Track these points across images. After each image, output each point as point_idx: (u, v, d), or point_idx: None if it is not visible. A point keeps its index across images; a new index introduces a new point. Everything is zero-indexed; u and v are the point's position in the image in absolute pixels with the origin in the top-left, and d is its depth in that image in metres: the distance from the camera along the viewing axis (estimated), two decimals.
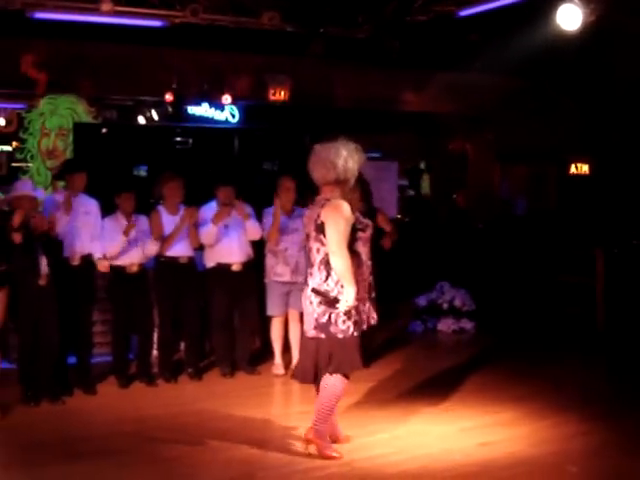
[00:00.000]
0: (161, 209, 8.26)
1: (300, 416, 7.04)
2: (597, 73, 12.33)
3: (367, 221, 6.11)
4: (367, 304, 6.56)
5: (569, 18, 7.72)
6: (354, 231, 5.86)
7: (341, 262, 5.66)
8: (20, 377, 7.52)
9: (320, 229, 5.76)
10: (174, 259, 8.20)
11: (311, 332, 5.87)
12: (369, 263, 6.96)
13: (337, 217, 5.70)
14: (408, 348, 9.92)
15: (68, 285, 7.54)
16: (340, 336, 5.77)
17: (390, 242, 8.58)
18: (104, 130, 12.10)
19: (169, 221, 8.20)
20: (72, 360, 7.82)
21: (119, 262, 7.99)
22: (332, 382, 5.87)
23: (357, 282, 5.79)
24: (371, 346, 8.95)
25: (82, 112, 11.24)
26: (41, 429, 6.75)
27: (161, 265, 8.26)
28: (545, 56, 10.94)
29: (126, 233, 7.84)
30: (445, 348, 10.33)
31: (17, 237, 6.91)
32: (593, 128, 13.41)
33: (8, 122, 10.80)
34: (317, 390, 6.01)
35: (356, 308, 5.84)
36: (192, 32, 10.21)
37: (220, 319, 8.42)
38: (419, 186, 15.91)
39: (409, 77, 13.10)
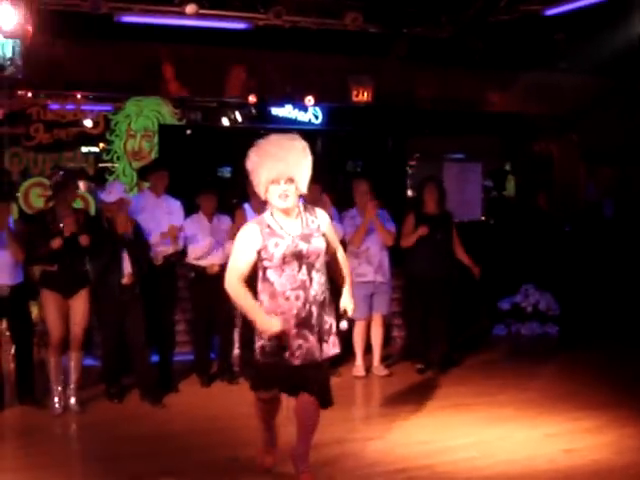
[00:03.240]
0: (247, 207, 8.27)
1: (381, 419, 7.04)
2: None
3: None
4: (308, 339, 5.16)
5: None
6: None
7: (231, 294, 5.15)
8: (103, 374, 7.67)
9: None
10: None
11: None
12: (298, 293, 5.15)
13: (235, 242, 5.23)
14: (491, 352, 9.80)
15: (151, 285, 7.64)
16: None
17: (478, 272, 8.64)
18: (189, 131, 12.22)
19: None
20: (155, 359, 7.93)
21: (201, 263, 8.07)
22: None
23: (275, 314, 5.09)
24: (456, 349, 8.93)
25: (167, 114, 11.38)
26: (122, 426, 6.88)
27: None
28: (633, 55, 10.68)
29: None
30: (529, 353, 10.17)
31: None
32: None
33: (95, 124, 10.96)
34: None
35: (285, 342, 5.14)
36: (275, 34, 10.24)
37: None
38: (504, 188, 15.71)
39: (493, 77, 12.93)
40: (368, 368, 8.62)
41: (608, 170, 13.85)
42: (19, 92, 10.35)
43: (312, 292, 5.14)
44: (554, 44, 11.36)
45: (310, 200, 8.40)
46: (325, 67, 11.81)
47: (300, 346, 5.14)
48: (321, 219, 5.33)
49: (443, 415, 7.07)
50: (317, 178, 8.64)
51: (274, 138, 5.23)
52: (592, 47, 10.75)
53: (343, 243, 8.54)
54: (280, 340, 5.11)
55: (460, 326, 9.68)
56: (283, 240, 5.09)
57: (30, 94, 10.50)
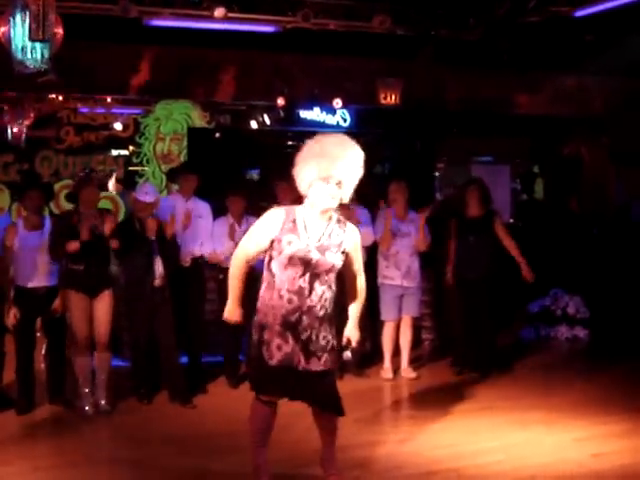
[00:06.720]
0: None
1: (408, 422, 7.04)
2: None
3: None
4: (288, 342, 4.94)
5: None
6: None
7: (230, 271, 5.18)
8: (133, 375, 7.71)
9: None
10: None
11: None
12: (292, 297, 4.94)
13: (257, 222, 5.14)
14: (520, 355, 9.75)
15: (179, 286, 7.67)
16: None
17: (529, 274, 8.63)
18: (217, 134, 12.27)
19: None
20: (184, 360, 7.97)
21: (227, 264, 8.08)
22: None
23: (266, 305, 4.99)
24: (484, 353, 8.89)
25: (196, 117, 11.48)
26: (151, 426, 6.93)
27: None
28: None
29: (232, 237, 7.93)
30: (558, 356, 10.12)
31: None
32: None
33: (125, 127, 11.09)
34: None
35: (267, 336, 4.96)
36: (304, 37, 10.27)
37: None
38: (532, 190, 15.67)
39: (522, 79, 12.88)
40: (396, 370, 8.62)
41: (638, 172, 13.77)
42: (50, 96, 10.44)
43: (308, 302, 4.90)
44: (583, 46, 11.31)
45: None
46: (353, 70, 11.83)
47: (279, 347, 4.93)
48: (349, 236, 5.04)
49: (471, 418, 7.05)
50: None
51: (337, 139, 5.01)
52: (622, 49, 10.68)
53: (375, 243, 8.58)
54: (261, 334, 4.97)
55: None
56: (298, 241, 4.89)
57: (61, 98, 10.60)
